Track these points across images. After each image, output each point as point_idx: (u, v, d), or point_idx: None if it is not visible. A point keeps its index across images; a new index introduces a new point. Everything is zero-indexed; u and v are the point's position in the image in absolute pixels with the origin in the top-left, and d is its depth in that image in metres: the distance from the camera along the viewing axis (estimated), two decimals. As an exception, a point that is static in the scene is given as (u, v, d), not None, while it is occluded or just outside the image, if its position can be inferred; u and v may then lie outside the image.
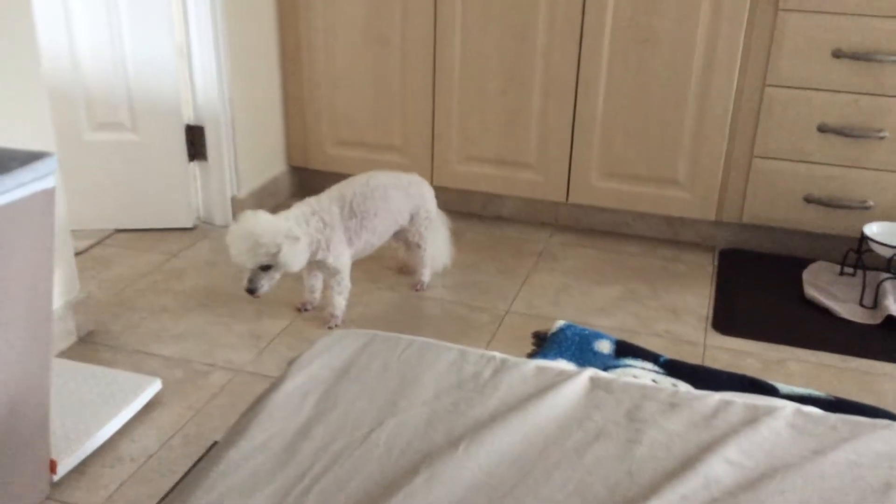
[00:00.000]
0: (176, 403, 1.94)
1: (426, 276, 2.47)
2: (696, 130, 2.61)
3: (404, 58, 2.79)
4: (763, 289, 2.51)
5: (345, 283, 2.25)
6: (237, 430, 0.99)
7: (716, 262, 2.69)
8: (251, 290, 2.06)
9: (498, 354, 1.15)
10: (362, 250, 2.30)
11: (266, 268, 2.05)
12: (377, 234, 2.30)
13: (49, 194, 1.49)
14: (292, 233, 2.05)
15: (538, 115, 2.73)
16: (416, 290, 2.47)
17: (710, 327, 2.32)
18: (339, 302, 2.26)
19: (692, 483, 0.90)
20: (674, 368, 1.86)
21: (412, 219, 2.37)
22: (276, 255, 2.01)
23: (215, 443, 1.79)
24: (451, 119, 2.82)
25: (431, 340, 1.20)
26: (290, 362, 1.17)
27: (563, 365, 1.15)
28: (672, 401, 1.05)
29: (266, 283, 2.06)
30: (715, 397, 1.07)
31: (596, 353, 1.79)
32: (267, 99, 2.92)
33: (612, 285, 2.54)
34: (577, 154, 2.74)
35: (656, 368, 1.83)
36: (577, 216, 2.91)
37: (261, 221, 2.03)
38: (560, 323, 1.82)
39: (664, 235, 2.84)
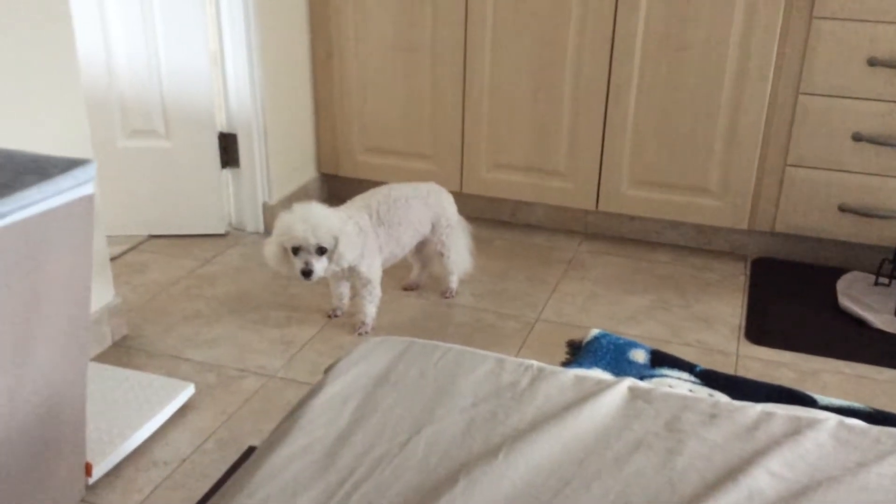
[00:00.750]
0: (209, 408, 1.96)
1: (454, 282, 2.47)
2: (728, 138, 2.59)
3: (434, 65, 2.80)
4: (796, 299, 2.48)
5: (376, 293, 2.26)
6: (278, 434, 0.99)
7: (748, 272, 2.67)
8: (307, 273, 2.03)
9: (535, 363, 1.15)
10: (386, 260, 2.30)
11: (321, 252, 2.05)
12: (401, 245, 2.31)
13: (88, 200, 1.51)
14: (348, 225, 2.09)
15: (568, 122, 2.72)
16: (446, 297, 2.47)
17: (742, 337, 2.29)
18: (370, 310, 2.27)
19: (735, 495, 0.89)
20: (710, 379, 1.84)
21: (433, 228, 2.38)
22: (336, 238, 2.04)
23: (251, 447, 1.80)
24: (481, 126, 2.82)
25: (468, 348, 1.20)
26: (328, 369, 1.18)
27: (601, 375, 1.14)
28: (712, 412, 1.04)
29: (320, 268, 2.05)
30: (756, 409, 1.06)
31: (631, 363, 1.78)
32: (298, 106, 2.94)
33: (643, 294, 2.52)
34: (608, 162, 2.73)
35: (692, 378, 1.82)
36: (607, 224, 2.89)
37: (321, 208, 2.08)
38: (594, 332, 1.81)
39: (695, 244, 2.82)
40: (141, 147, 2.70)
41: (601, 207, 2.80)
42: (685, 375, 1.82)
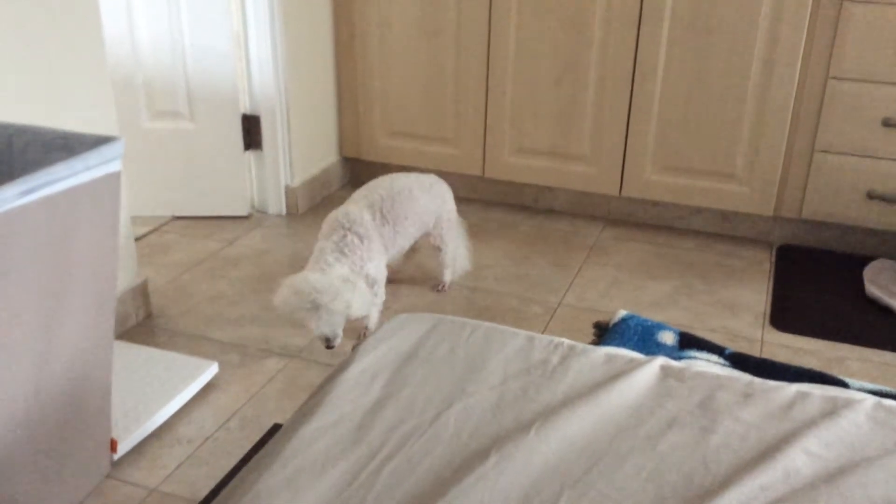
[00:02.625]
0: (232, 387, 1.97)
1: (447, 276, 2.40)
2: (755, 123, 2.55)
3: (458, 48, 2.78)
4: (822, 286, 2.45)
5: (381, 295, 2.15)
6: (307, 409, 0.99)
7: (773, 259, 2.64)
8: (330, 346, 1.97)
9: (566, 341, 1.14)
10: (393, 257, 2.23)
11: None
12: (408, 239, 2.23)
13: (115, 178, 1.52)
14: (349, 279, 1.95)
15: (593, 106, 2.70)
16: (438, 291, 2.40)
17: (767, 324, 2.27)
18: (374, 314, 2.15)
19: (771, 474, 0.87)
20: (740, 361, 1.82)
21: (435, 221, 2.30)
22: (346, 307, 1.92)
23: (276, 425, 1.81)
24: (504, 110, 2.80)
25: (497, 325, 1.19)
26: (355, 347, 1.17)
27: (632, 353, 1.13)
28: (746, 391, 1.03)
29: (339, 331, 1.96)
30: (791, 388, 1.04)
31: (659, 345, 1.76)
32: (321, 89, 2.94)
33: (666, 280, 2.50)
34: (632, 146, 2.70)
35: (721, 361, 1.80)
36: (630, 210, 2.87)
37: (311, 280, 1.93)
38: (622, 313, 1.80)
39: (719, 231, 2.79)
40: (165, 128, 2.71)
41: (625, 193, 2.77)
42: (714, 358, 1.80)
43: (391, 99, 2.93)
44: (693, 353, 1.77)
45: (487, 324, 1.19)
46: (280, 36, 2.66)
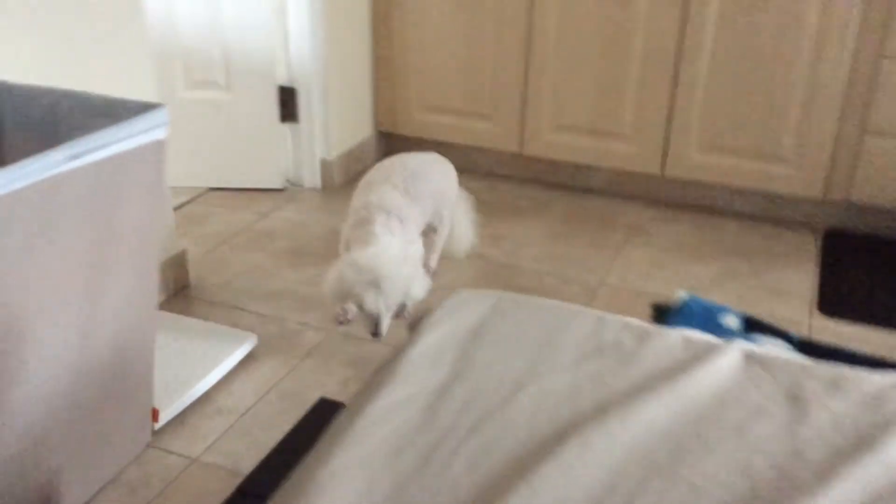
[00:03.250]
0: (271, 359, 1.95)
1: (434, 261, 2.27)
2: (804, 103, 2.48)
3: (498, 21, 2.72)
4: (871, 272, 2.39)
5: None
6: (373, 387, 0.96)
7: (819, 243, 2.57)
8: (376, 334, 1.87)
9: (638, 322, 1.10)
10: None
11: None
12: (427, 217, 2.15)
13: (160, 145, 1.49)
14: (408, 259, 1.88)
15: (636, 82, 2.64)
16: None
17: (815, 309, 2.21)
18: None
19: (870, 467, 0.83)
20: (810, 348, 1.76)
21: (442, 200, 2.21)
22: (406, 287, 1.85)
23: (322, 399, 1.79)
24: (544, 86, 2.74)
25: (562, 303, 1.15)
26: (412, 324, 1.14)
27: (708, 337, 1.09)
28: (835, 380, 0.98)
29: (388, 322, 1.88)
30: (881, 377, 1.00)
31: (723, 329, 1.70)
32: (358, 62, 2.89)
33: (709, 263, 2.45)
34: (676, 125, 2.64)
35: (790, 347, 1.74)
36: (672, 190, 2.81)
37: (373, 256, 1.83)
38: (682, 294, 1.75)
39: (764, 213, 2.73)
40: (201, 98, 2.68)
41: (667, 172, 2.71)
42: (781, 343, 1.73)
43: (428, 73, 2.88)
44: (760, 337, 1.72)
45: (552, 301, 1.15)
46: (319, 8, 2.62)
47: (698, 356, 1.01)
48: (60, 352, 1.35)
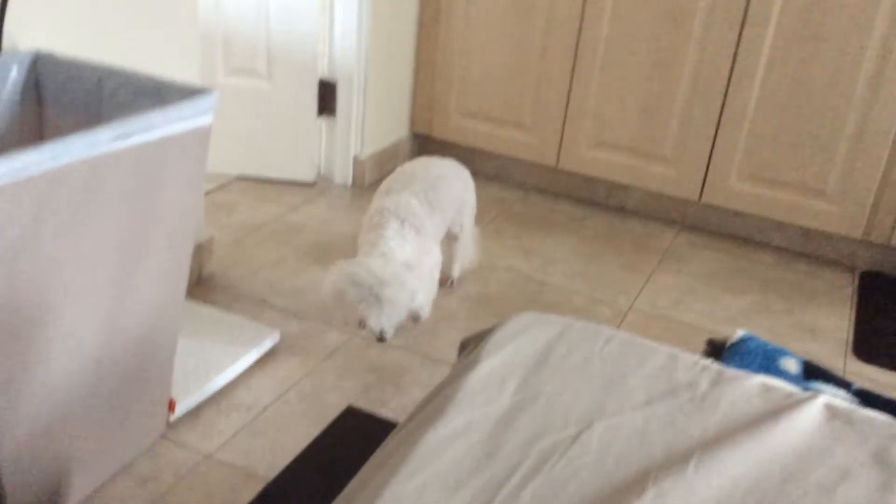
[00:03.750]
0: (291, 358, 1.91)
1: (457, 271, 2.23)
2: (854, 140, 2.42)
3: (547, 32, 2.67)
4: (909, 319, 2.32)
5: (436, 288, 2.03)
6: (432, 411, 0.91)
7: (856, 284, 2.51)
8: (382, 340, 1.84)
9: (712, 363, 1.05)
10: None
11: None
12: (446, 226, 2.09)
13: (205, 131, 1.45)
14: (413, 266, 1.80)
15: (682, 105, 2.58)
16: (447, 287, 2.21)
17: (850, 352, 2.15)
18: (428, 306, 1.98)
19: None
20: (868, 399, 1.69)
21: (461, 208, 2.15)
22: (410, 299, 1.78)
23: (350, 407, 1.74)
24: (587, 101, 2.69)
25: (634, 337, 1.10)
26: (465, 342, 1.10)
27: (786, 385, 1.03)
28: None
29: (393, 327, 1.84)
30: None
31: (782, 372, 1.64)
32: (400, 62, 2.85)
33: (743, 295, 2.39)
34: (719, 151, 2.58)
35: (848, 397, 1.66)
36: (708, 217, 2.75)
37: (373, 268, 1.76)
38: (740, 333, 1.69)
39: (801, 249, 2.66)
40: (240, 85, 2.65)
41: (705, 199, 2.66)
42: (841, 393, 1.66)
43: (470, 78, 2.83)
44: (819, 385, 1.65)
45: (623, 334, 1.10)
46: (367, 4, 2.58)
47: (779, 406, 0.95)
48: (86, 337, 1.31)
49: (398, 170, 2.10)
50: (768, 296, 2.39)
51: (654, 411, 0.93)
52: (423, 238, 1.92)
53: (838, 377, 1.70)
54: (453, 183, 2.10)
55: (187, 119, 1.38)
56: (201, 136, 1.44)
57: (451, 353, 1.97)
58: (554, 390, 0.94)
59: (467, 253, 2.25)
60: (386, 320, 1.78)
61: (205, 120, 1.44)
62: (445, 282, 2.22)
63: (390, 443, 0.88)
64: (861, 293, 2.45)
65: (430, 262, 1.94)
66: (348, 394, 1.81)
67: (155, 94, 1.47)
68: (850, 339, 2.21)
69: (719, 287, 2.42)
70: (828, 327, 2.26)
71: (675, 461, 0.85)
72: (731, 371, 1.02)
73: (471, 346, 1.08)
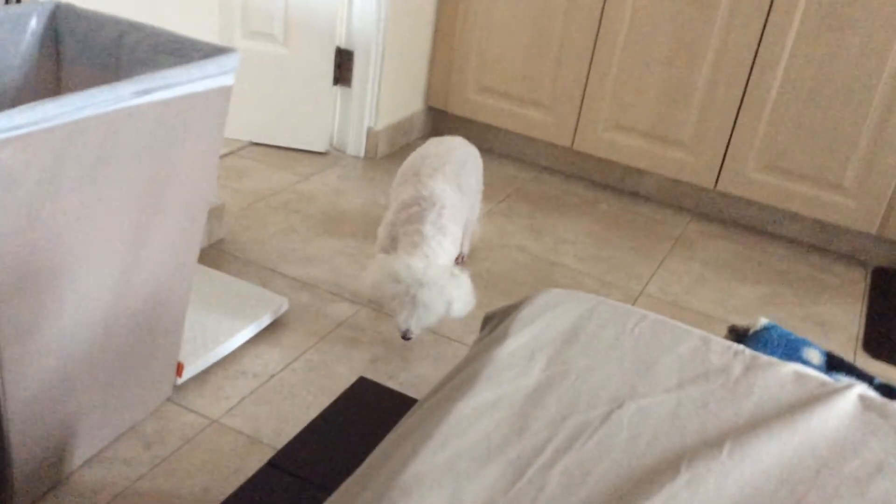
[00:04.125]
0: (300, 327, 1.89)
1: (467, 247, 2.20)
2: (875, 135, 2.39)
3: (569, 10, 2.63)
4: (921, 317, 2.30)
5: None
6: (461, 383, 0.89)
7: (868, 279, 2.49)
8: (407, 338, 1.78)
9: (745, 349, 1.03)
10: None
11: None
12: (470, 210, 2.03)
13: (226, 92, 1.43)
14: (456, 273, 1.73)
15: (703, 91, 2.55)
16: (458, 263, 2.14)
17: (860, 348, 2.14)
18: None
19: None
20: (890, 395, 1.67)
21: (479, 189, 2.12)
22: (447, 306, 1.72)
23: (362, 378, 1.73)
24: (607, 83, 2.66)
25: (665, 318, 1.09)
26: (489, 317, 1.08)
27: (820, 374, 1.02)
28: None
29: (421, 328, 1.77)
30: None
31: (805, 363, 1.62)
32: (418, 34, 2.81)
33: (754, 285, 2.37)
34: (737, 140, 2.55)
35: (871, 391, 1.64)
36: (722, 206, 2.73)
37: (414, 269, 1.70)
38: (763, 321, 1.67)
39: (815, 242, 2.64)
40: (257, 50, 2.61)
41: (720, 187, 2.63)
42: (863, 387, 1.63)
43: (489, 54, 2.80)
44: (841, 377, 1.64)
45: (654, 315, 1.08)
46: (388, -30, 2.54)
47: (813, 395, 0.94)
48: (99, 293, 1.30)
49: (419, 152, 2.02)
50: (780, 287, 2.38)
51: (687, 394, 0.91)
52: (457, 225, 1.86)
53: (861, 370, 1.69)
54: (475, 164, 2.08)
55: (209, 78, 1.35)
56: (222, 97, 1.41)
57: (459, 330, 1.95)
58: (584, 368, 0.93)
59: (476, 230, 2.23)
60: (415, 322, 1.72)
61: (227, 80, 1.41)
62: (458, 259, 2.19)
63: (414, 415, 0.87)
64: (873, 289, 2.43)
65: (465, 252, 1.90)
66: (356, 365, 1.79)
67: (176, 51, 1.44)
68: (861, 334, 2.20)
69: (731, 276, 2.40)
70: (838, 322, 2.25)
71: (709, 446, 0.84)
72: (764, 357, 1.01)
73: (495, 321, 1.06)
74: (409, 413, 0.89)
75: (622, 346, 0.98)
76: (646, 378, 0.93)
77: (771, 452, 0.84)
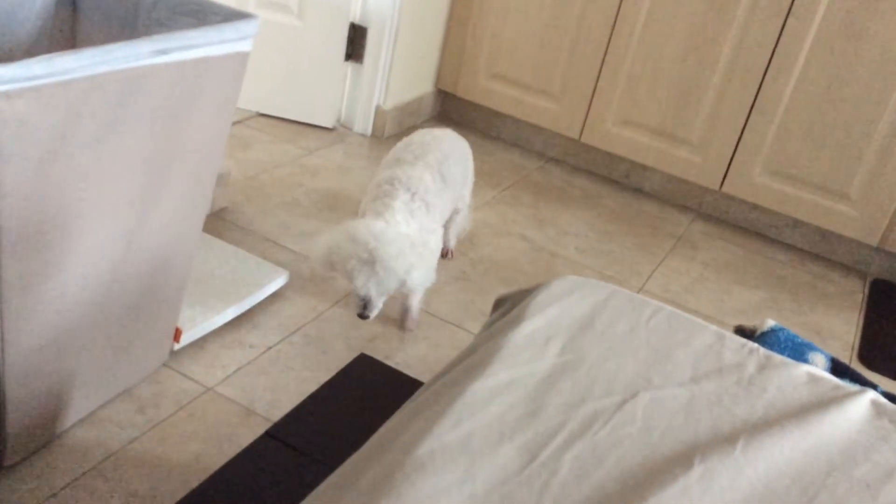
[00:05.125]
0: (299, 300, 1.88)
1: (453, 242, 2.15)
2: (884, 147, 2.39)
3: (586, 2, 2.61)
4: (916, 331, 2.31)
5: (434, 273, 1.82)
6: (476, 363, 0.89)
7: (867, 290, 2.50)
8: (364, 316, 1.68)
9: (760, 347, 1.03)
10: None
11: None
12: (454, 204, 1.97)
13: (244, 58, 1.41)
14: (417, 244, 1.66)
15: (715, 92, 2.54)
16: (446, 258, 2.15)
17: (855, 358, 2.15)
18: (420, 292, 1.85)
19: None
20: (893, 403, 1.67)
21: (466, 182, 2.05)
22: (406, 278, 1.64)
23: (362, 354, 1.73)
24: (619, 77, 2.65)
25: (680, 312, 1.08)
26: (501, 300, 1.07)
27: (832, 377, 1.02)
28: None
29: (380, 305, 1.70)
30: None
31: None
32: (433, 16, 2.79)
33: (754, 289, 2.37)
34: (746, 143, 2.55)
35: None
36: (726, 207, 2.73)
37: (374, 228, 1.62)
38: (770, 323, 1.67)
39: (815, 249, 2.64)
40: (270, 20, 2.58)
41: (725, 189, 2.63)
42: None
43: (502, 40, 2.78)
44: (846, 383, 1.63)
45: (669, 308, 1.08)
46: (407, -52, 2.51)
47: (826, 398, 0.94)
48: (104, 252, 1.28)
49: (405, 141, 1.95)
50: (778, 293, 2.38)
51: (701, 389, 0.91)
52: (431, 215, 1.79)
53: (865, 378, 1.69)
54: (462, 155, 2.00)
55: (228, 42, 1.34)
56: (239, 62, 1.40)
57: (458, 313, 1.95)
58: (598, 356, 0.92)
59: (465, 223, 2.17)
60: (374, 287, 1.62)
61: (244, 46, 1.39)
62: (446, 254, 2.16)
63: (425, 393, 0.86)
64: (871, 300, 2.44)
65: (433, 243, 1.81)
66: (354, 343, 1.79)
67: (194, 13, 1.42)
68: (857, 344, 2.21)
69: (731, 279, 2.40)
70: (835, 330, 2.25)
71: (722, 441, 0.84)
72: (778, 357, 1.01)
73: (507, 305, 1.06)
74: (418, 392, 0.89)
75: (637, 337, 0.97)
76: (660, 370, 0.93)
77: (783, 452, 0.85)
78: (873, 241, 2.49)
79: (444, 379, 0.87)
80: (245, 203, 2.22)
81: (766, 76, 2.46)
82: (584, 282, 1.07)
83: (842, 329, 2.27)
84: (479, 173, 2.67)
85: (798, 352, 1.61)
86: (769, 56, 2.44)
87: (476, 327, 1.91)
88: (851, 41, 2.33)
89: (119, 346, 1.46)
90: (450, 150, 1.92)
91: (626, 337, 0.97)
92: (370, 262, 1.61)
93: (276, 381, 1.64)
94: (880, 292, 2.49)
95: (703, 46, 2.51)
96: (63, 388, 1.37)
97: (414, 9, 2.66)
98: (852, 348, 2.19)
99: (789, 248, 2.66)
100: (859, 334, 2.26)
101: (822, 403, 0.93)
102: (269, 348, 1.72)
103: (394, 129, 2.82)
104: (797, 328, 2.22)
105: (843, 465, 0.85)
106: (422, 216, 1.74)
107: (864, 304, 2.42)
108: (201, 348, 1.68)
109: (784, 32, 2.40)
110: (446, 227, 2.05)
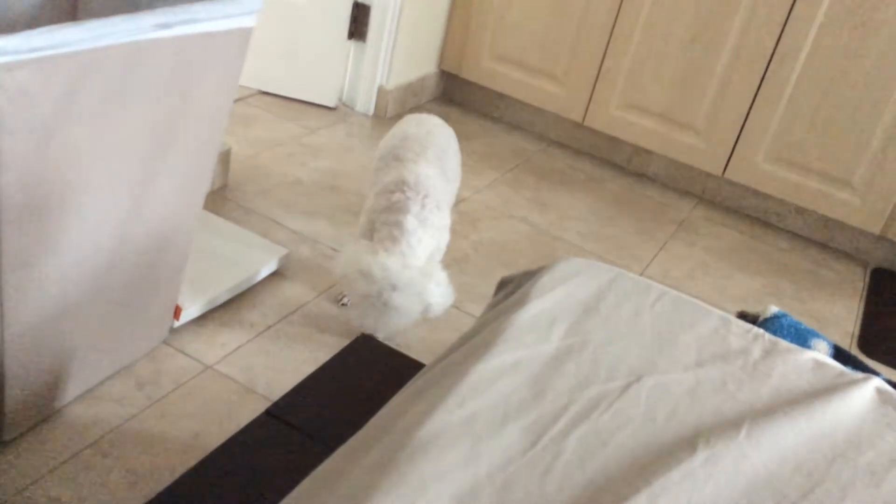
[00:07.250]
0: (299, 280, 1.88)
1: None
2: (889, 135, 2.38)
3: (593, -17, 2.59)
4: (916, 320, 2.31)
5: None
6: (480, 344, 0.88)
7: (867, 279, 2.50)
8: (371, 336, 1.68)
9: (765, 333, 1.03)
10: None
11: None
12: (454, 196, 1.92)
13: (247, 34, 1.40)
14: (432, 272, 1.59)
15: (720, 77, 2.52)
16: None
17: (855, 346, 2.15)
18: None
19: None
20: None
21: (458, 174, 1.97)
22: (424, 309, 1.59)
23: (363, 335, 1.72)
24: (624, 60, 2.63)
25: (685, 296, 1.08)
26: (505, 281, 1.07)
27: (837, 364, 1.02)
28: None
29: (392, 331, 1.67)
30: None
31: None
32: (437, -7, 2.76)
33: (755, 276, 2.37)
34: (750, 129, 2.54)
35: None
36: (728, 193, 2.72)
37: (389, 269, 1.54)
38: (773, 309, 1.67)
39: (817, 237, 2.64)
40: (272, -4, 2.56)
41: (728, 175, 2.62)
42: None
43: (507, 21, 2.75)
44: (850, 371, 1.63)
45: (673, 292, 1.08)
46: (413, -74, 2.48)
47: (831, 385, 0.94)
48: (105, 227, 1.28)
49: (396, 133, 1.87)
50: (779, 279, 2.38)
51: (706, 373, 0.91)
52: (442, 212, 1.73)
53: (867, 366, 1.69)
54: (456, 150, 1.94)
55: (231, 17, 1.32)
56: (242, 38, 1.38)
57: (459, 295, 1.94)
58: (603, 339, 0.92)
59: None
60: (384, 327, 1.60)
61: (248, 21, 1.38)
62: None
63: (428, 374, 0.86)
64: (871, 289, 2.44)
65: (446, 239, 1.75)
66: (352, 323, 1.78)
67: (197, -13, 1.40)
68: (856, 332, 2.21)
69: (732, 265, 2.40)
70: (835, 318, 2.25)
71: (726, 425, 0.84)
72: (783, 343, 1.00)
73: (511, 286, 1.05)
74: (421, 373, 0.88)
75: (642, 320, 0.97)
76: (665, 354, 0.92)
77: (788, 438, 0.84)
78: (875, 229, 2.48)
79: (448, 360, 0.86)
80: (246, 182, 2.21)
81: (772, 62, 2.44)
82: (588, 264, 1.06)
83: (842, 317, 2.27)
84: (481, 155, 2.66)
85: (801, 339, 1.60)
86: (775, 42, 2.42)
87: (477, 310, 1.91)
88: (858, 29, 2.31)
89: (119, 322, 1.45)
90: (445, 142, 1.86)
91: (631, 320, 0.97)
92: (384, 306, 1.55)
93: (275, 360, 1.64)
94: (881, 281, 2.49)
95: (708, 31, 2.49)
96: (62, 363, 1.36)
97: (418, -12, 2.64)
98: (852, 336, 2.19)
99: (791, 235, 2.65)
100: (859, 322, 2.25)
101: (827, 390, 0.93)
102: (269, 327, 1.72)
103: (396, 109, 2.80)
104: (797, 315, 2.22)
105: (847, 452, 0.85)
106: (434, 218, 1.67)
107: (865, 293, 2.41)
108: (201, 326, 1.67)
109: (790, 19, 2.38)
110: None
